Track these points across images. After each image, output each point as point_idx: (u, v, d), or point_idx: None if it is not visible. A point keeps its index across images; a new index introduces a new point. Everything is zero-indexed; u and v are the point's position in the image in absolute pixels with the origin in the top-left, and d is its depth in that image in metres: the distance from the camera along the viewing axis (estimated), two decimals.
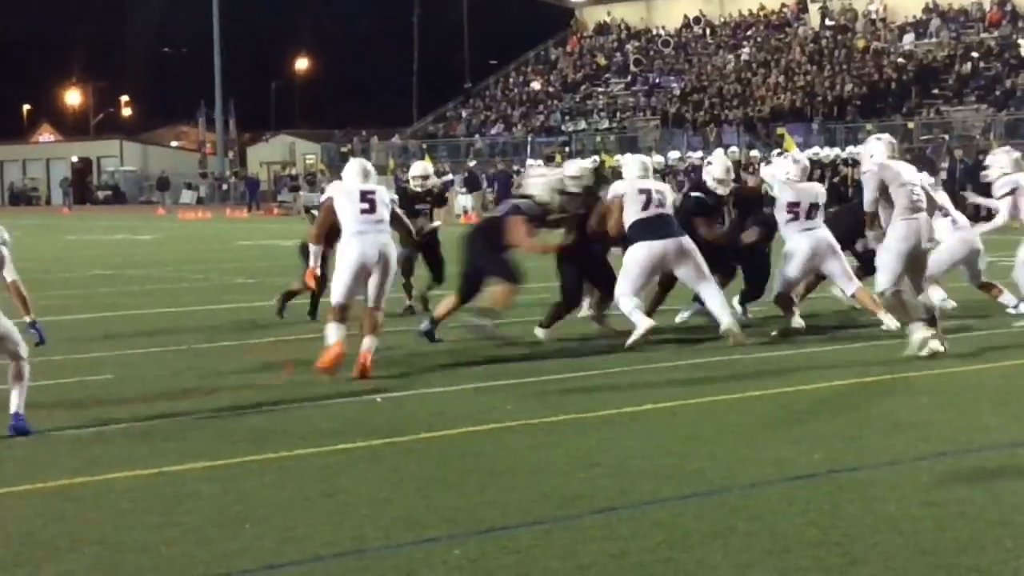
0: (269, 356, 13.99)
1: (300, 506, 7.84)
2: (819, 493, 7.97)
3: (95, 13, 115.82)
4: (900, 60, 62.43)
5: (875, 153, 13.96)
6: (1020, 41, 59.11)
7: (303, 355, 13.47)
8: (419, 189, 17.78)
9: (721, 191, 15.41)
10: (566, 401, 11.22)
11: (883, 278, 13.40)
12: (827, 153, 43.25)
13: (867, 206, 13.40)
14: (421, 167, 18.42)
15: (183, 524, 7.46)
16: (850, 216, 16.05)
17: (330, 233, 13.11)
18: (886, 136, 14.70)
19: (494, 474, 8.58)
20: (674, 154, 47.49)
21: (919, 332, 13.10)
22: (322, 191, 62.44)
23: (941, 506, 7.58)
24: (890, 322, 14.38)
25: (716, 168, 15.57)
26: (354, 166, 13.51)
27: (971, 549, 6.77)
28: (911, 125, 54.43)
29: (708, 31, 76.41)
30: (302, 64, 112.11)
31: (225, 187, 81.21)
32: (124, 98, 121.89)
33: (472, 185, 53.73)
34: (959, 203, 17.72)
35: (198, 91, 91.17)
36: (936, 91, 59.12)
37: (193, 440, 9.87)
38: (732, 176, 15.80)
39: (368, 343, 12.65)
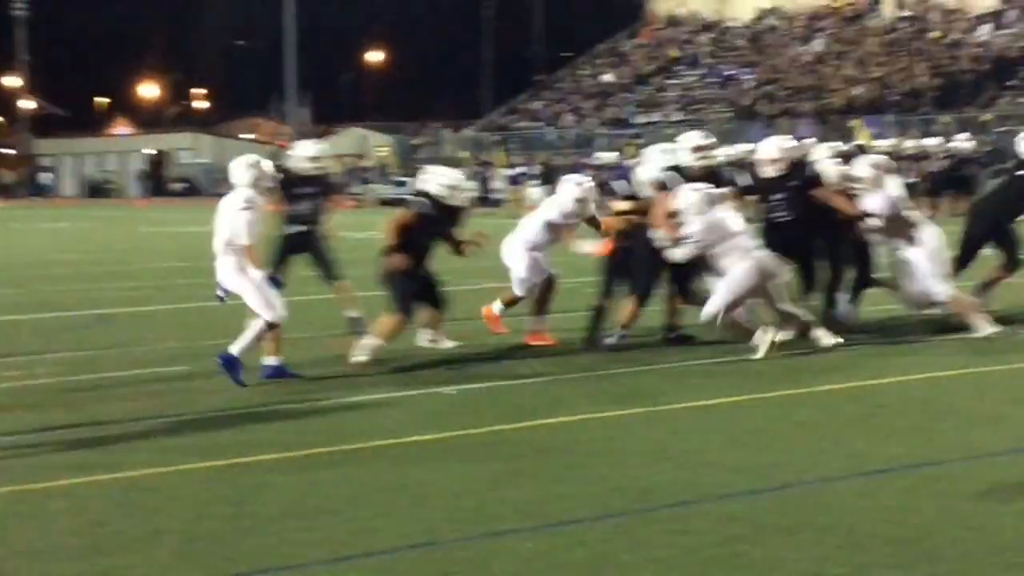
0: (345, 348, 14.03)
1: (372, 498, 7.87)
2: (893, 488, 7.92)
3: (169, 6, 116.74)
4: (976, 51, 61.82)
5: (657, 163, 13.87)
6: None
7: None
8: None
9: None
10: (638, 394, 11.21)
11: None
12: (908, 144, 42.85)
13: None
14: (312, 147, 16.10)
15: (257, 514, 7.52)
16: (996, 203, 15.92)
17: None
18: (669, 146, 14.53)
19: (566, 467, 8.59)
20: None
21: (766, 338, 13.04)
22: (399, 183, 62.77)
23: (1019, 502, 7.51)
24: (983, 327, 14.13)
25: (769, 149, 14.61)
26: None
27: None
28: (987, 117, 53.90)
29: (781, 23, 76.03)
30: (374, 56, 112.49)
31: None
32: (198, 91, 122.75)
33: (546, 178, 53.84)
34: None
35: (272, 83, 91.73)
36: (1013, 82, 58.51)
37: (266, 431, 9.94)
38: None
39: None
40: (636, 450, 9.06)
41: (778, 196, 14.32)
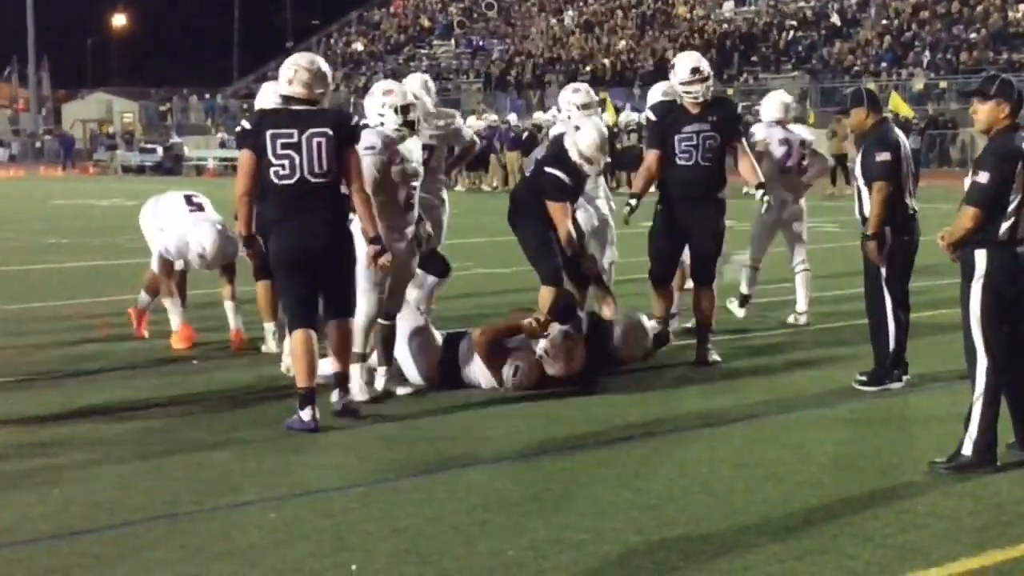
0: (85, 317, 13.73)
1: (110, 470, 7.72)
2: (633, 456, 8.06)
3: None
4: (720, 27, 63.23)
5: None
6: (834, 11, 60.25)
7: (119, 317, 13.23)
8: None
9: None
10: None
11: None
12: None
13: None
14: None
15: None
16: None
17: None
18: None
19: (310, 439, 8.53)
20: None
21: None
22: (145, 151, 61.29)
23: (749, 468, 7.71)
24: None
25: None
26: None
27: (779, 510, 6.89)
28: (730, 92, 55.22)
29: None
30: (120, 20, 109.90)
31: (39, 145, 79.41)
32: None
33: None
34: None
35: (11, 47, 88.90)
36: (755, 58, 60.01)
37: None
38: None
39: None
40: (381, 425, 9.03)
41: None
